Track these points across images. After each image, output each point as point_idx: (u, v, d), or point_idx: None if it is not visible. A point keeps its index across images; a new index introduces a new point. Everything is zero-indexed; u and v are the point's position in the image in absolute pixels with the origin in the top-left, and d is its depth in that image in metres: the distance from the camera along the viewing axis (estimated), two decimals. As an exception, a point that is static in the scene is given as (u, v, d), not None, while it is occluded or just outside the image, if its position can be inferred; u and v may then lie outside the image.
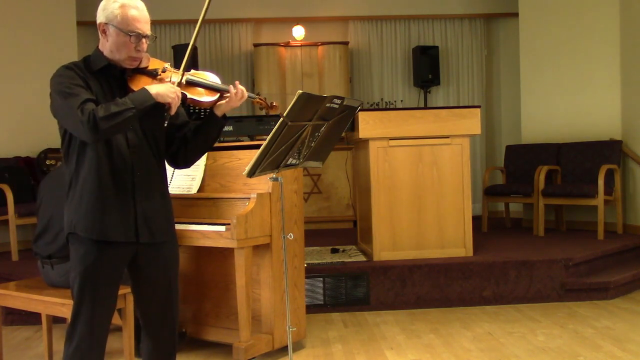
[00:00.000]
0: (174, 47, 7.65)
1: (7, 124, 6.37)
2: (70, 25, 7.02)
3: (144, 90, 2.17)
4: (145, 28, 2.23)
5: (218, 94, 2.38)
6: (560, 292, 4.61)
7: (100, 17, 2.22)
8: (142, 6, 2.26)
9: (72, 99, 2.11)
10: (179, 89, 2.24)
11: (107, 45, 2.23)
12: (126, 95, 2.23)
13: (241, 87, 2.40)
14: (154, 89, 2.18)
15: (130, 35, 2.19)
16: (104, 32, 2.22)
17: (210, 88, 2.38)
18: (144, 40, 2.23)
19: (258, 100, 2.54)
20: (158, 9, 8.25)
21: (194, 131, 2.41)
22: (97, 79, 2.25)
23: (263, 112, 2.60)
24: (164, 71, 2.33)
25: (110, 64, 2.26)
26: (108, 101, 2.20)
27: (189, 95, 2.33)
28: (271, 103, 2.58)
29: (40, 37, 6.69)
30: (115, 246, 2.24)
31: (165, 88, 2.20)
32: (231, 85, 2.39)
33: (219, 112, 2.38)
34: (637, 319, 4.13)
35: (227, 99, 2.37)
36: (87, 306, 2.22)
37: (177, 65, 2.40)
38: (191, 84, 2.36)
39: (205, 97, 2.37)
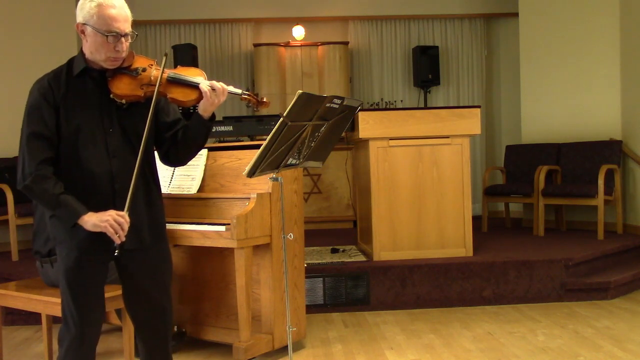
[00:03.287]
0: (174, 47, 7.65)
1: (7, 124, 6.36)
2: (70, 25, 6.96)
3: (77, 212, 2.13)
4: (124, 27, 2.16)
5: (197, 92, 2.28)
6: (560, 292, 4.61)
7: (78, 17, 2.18)
8: (120, 3, 2.18)
9: (27, 139, 2.21)
10: (114, 216, 2.12)
11: (87, 46, 2.20)
12: (108, 96, 2.21)
13: (219, 84, 2.27)
14: (88, 217, 2.12)
15: (107, 36, 2.13)
16: (82, 32, 2.18)
17: (193, 86, 2.28)
18: (123, 39, 2.16)
19: (245, 96, 2.39)
20: (158, 9, 8.27)
21: (183, 131, 2.35)
22: (77, 84, 2.22)
23: (253, 109, 2.47)
24: (144, 70, 2.25)
25: (88, 67, 2.22)
26: (84, 108, 2.19)
27: (168, 95, 2.27)
28: (261, 99, 2.44)
29: (40, 37, 6.69)
30: (92, 254, 2.23)
31: (96, 219, 2.11)
32: (213, 82, 2.29)
33: (203, 112, 2.29)
34: (637, 319, 4.13)
35: (206, 97, 2.25)
36: (73, 307, 2.22)
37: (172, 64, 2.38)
38: (173, 82, 2.28)
39: (188, 96, 2.27)
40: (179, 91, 2.28)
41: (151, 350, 2.40)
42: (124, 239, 2.14)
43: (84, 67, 2.21)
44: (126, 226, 2.13)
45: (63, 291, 2.24)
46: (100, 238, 2.16)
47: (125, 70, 2.25)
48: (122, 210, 2.15)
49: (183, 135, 2.35)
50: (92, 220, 2.12)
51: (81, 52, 2.24)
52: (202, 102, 2.27)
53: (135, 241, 2.25)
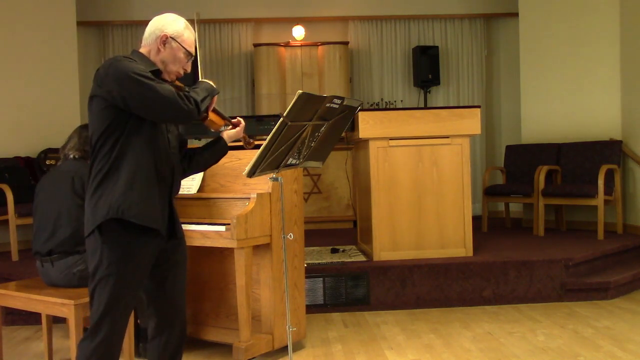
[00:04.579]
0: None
1: (7, 124, 6.37)
2: (70, 25, 7.02)
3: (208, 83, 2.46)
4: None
5: (225, 122, 2.61)
6: (560, 292, 4.61)
7: (166, 29, 2.39)
8: None
9: (161, 86, 2.24)
10: None
11: (160, 55, 2.39)
12: None
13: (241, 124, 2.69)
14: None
15: (189, 54, 2.43)
16: (163, 43, 2.38)
17: (221, 115, 2.59)
18: (190, 61, 2.47)
19: (244, 135, 2.75)
20: (158, 9, 8.23)
21: (200, 151, 2.62)
22: None
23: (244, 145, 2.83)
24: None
25: (159, 70, 2.40)
26: None
27: (208, 117, 2.53)
28: (250, 141, 2.75)
29: (40, 37, 6.69)
30: (155, 238, 2.32)
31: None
32: (238, 118, 2.66)
33: (227, 139, 2.63)
34: (637, 319, 4.13)
35: (238, 128, 2.63)
36: (121, 301, 2.25)
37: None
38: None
39: (219, 122, 2.58)
40: (214, 116, 2.56)
41: (171, 339, 2.50)
42: None
43: (157, 68, 2.39)
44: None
45: (112, 285, 2.23)
46: (159, 217, 2.31)
47: (176, 85, 2.47)
48: (173, 196, 2.46)
49: (199, 154, 2.63)
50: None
51: (142, 55, 2.40)
52: (234, 132, 2.65)
53: (177, 231, 2.48)
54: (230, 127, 2.65)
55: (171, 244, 2.45)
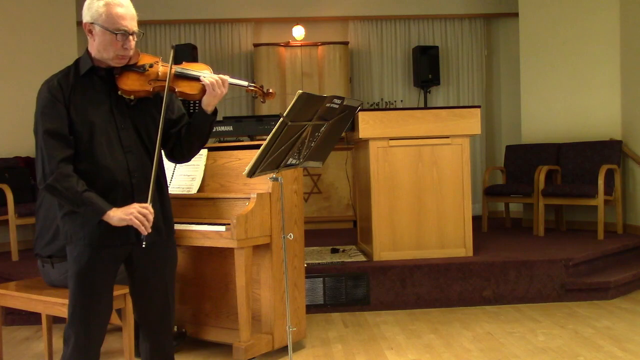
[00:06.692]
0: (174, 47, 7.65)
1: (7, 124, 6.37)
2: (70, 25, 7.02)
3: (102, 209, 2.14)
4: (132, 25, 2.20)
5: (203, 87, 2.32)
6: (560, 292, 4.61)
7: (85, 17, 2.21)
8: (127, 2, 2.23)
9: (44, 137, 2.12)
10: (138, 208, 2.16)
11: (94, 45, 2.21)
12: (117, 93, 2.24)
13: (218, 76, 2.30)
14: (113, 213, 2.14)
15: (116, 34, 2.16)
16: (90, 32, 2.20)
17: (192, 78, 2.32)
18: (130, 37, 2.20)
19: (251, 88, 2.44)
20: (158, 9, 8.27)
21: (187, 128, 2.39)
22: (85, 83, 2.23)
23: (260, 100, 2.50)
24: (151, 66, 2.29)
25: (94, 66, 2.24)
26: (95, 106, 2.21)
27: (177, 89, 2.31)
28: (267, 90, 2.47)
29: (40, 37, 6.69)
30: (111, 247, 2.24)
31: (121, 213, 2.15)
32: (209, 79, 2.30)
33: (206, 107, 2.32)
34: (637, 319, 4.13)
35: (214, 92, 2.28)
36: (83, 306, 2.23)
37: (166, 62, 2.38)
38: (180, 77, 2.32)
39: (194, 89, 2.31)
40: (186, 85, 2.31)
41: (156, 347, 2.42)
42: (150, 230, 2.18)
43: (91, 66, 2.23)
44: (151, 217, 2.18)
45: (73, 291, 2.24)
46: (115, 232, 2.19)
47: (132, 67, 2.27)
48: (142, 197, 2.21)
49: (187, 131, 2.38)
50: (117, 215, 2.16)
51: (87, 52, 2.26)
52: (209, 98, 2.30)
53: (154, 234, 2.27)
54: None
55: (144, 250, 2.24)
